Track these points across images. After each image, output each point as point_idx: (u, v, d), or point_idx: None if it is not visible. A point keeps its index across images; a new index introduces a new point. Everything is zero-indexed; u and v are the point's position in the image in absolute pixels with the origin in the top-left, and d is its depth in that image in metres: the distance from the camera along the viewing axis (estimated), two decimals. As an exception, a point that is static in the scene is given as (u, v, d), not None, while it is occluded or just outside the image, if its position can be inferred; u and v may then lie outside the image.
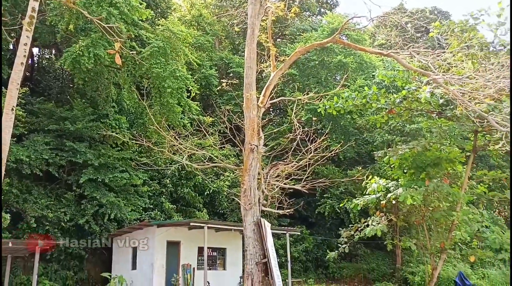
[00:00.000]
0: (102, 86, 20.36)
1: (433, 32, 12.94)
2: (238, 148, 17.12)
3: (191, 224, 17.50)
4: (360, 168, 24.65)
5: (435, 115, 14.86)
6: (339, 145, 18.34)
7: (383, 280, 24.98)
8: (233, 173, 23.98)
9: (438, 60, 11.55)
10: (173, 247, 18.56)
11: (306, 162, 14.71)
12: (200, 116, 23.58)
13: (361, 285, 24.98)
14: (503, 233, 12.57)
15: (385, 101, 13.51)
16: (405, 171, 14.69)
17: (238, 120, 15.56)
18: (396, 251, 25.27)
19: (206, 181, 23.30)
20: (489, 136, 14.47)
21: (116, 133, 19.96)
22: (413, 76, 14.63)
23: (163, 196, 22.19)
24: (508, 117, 10.76)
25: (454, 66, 11.83)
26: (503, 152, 14.55)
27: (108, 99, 20.96)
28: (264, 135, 14.14)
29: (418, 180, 13.51)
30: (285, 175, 14.81)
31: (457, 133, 17.06)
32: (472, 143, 14.65)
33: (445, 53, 11.87)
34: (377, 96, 13.56)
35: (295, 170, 14.91)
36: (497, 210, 31.14)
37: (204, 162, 16.50)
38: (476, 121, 12.56)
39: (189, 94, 22.16)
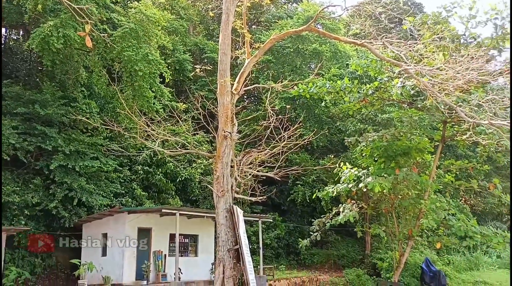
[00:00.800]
0: (72, 69, 19.79)
1: (406, 24, 13.08)
2: (212, 134, 17.00)
3: (163, 210, 17.35)
4: (332, 156, 24.92)
5: (406, 105, 15.14)
6: (312, 133, 18.49)
7: (352, 266, 25.49)
8: (206, 160, 23.87)
9: (411, 51, 11.71)
10: (144, 233, 18.42)
11: (279, 150, 14.77)
12: (173, 102, 23.28)
13: (331, 271, 25.40)
14: (468, 221, 12.99)
15: (358, 92, 13.69)
16: (375, 159, 14.96)
17: (211, 106, 15.43)
18: (366, 238, 25.80)
19: (178, 168, 23.10)
20: (457, 127, 14.86)
21: (87, 118, 19.48)
22: (385, 66, 14.82)
23: (135, 182, 21.88)
24: (476, 108, 11.05)
25: (426, 57, 12.02)
26: (470, 142, 14.97)
27: (77, 82, 20.42)
28: (238, 122, 14.09)
29: (388, 168, 13.79)
30: (258, 162, 14.86)
31: (426, 123, 17.41)
32: (441, 133, 15.02)
33: (418, 44, 12.03)
34: (350, 88, 13.73)
35: (268, 158, 14.97)
36: (463, 199, 32.18)
37: (177, 149, 16.34)
38: (445, 112, 12.87)
39: (162, 79, 21.82)
